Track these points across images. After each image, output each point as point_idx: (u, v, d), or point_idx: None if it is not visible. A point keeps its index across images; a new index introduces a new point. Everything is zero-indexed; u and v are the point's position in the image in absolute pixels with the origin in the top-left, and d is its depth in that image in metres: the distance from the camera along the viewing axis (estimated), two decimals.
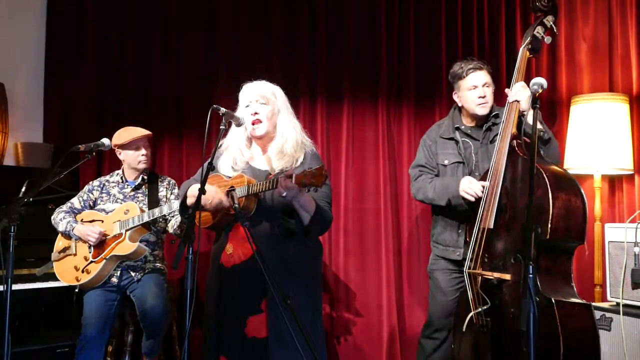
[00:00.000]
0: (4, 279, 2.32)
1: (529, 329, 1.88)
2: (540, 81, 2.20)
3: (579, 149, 3.34)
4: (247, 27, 3.96)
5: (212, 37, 3.99)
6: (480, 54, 3.72)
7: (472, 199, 2.62)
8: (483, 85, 2.79)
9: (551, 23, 2.67)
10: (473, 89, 2.80)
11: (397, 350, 3.63)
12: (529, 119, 2.47)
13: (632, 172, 3.39)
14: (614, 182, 3.53)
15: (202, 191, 2.13)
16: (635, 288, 2.80)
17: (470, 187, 2.62)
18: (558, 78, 3.64)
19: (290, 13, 3.91)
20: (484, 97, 2.78)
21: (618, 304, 2.83)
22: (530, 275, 1.91)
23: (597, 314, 2.90)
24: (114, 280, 3.05)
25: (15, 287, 2.90)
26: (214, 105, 2.24)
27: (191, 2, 4.03)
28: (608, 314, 2.85)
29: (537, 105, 2.15)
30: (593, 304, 2.99)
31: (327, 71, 3.85)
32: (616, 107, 3.31)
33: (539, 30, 2.65)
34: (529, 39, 2.67)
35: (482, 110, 2.80)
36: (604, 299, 3.11)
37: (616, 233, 2.92)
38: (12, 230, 2.34)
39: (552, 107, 3.62)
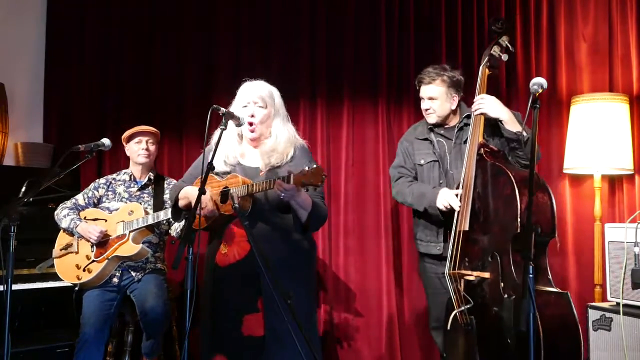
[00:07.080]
0: (4, 279, 2.32)
1: (529, 330, 1.88)
2: (540, 81, 2.20)
3: (579, 149, 3.33)
4: (247, 27, 3.96)
5: (212, 37, 4.00)
6: (480, 55, 3.71)
7: (445, 210, 2.74)
8: (428, 99, 2.94)
9: (506, 43, 2.86)
10: (422, 100, 2.98)
11: (397, 350, 3.63)
12: (507, 125, 2.67)
13: (632, 172, 3.38)
14: (614, 182, 3.52)
15: (201, 191, 2.14)
16: (635, 288, 2.80)
17: (445, 200, 2.71)
18: (558, 78, 3.63)
19: (290, 13, 3.91)
20: (428, 109, 2.94)
21: (618, 304, 2.82)
22: (531, 275, 1.91)
23: (597, 314, 2.91)
24: (115, 280, 3.05)
25: (15, 287, 2.91)
26: (214, 105, 2.25)
27: (191, 2, 4.03)
28: (608, 314, 2.85)
29: (537, 106, 2.15)
30: (593, 303, 3.01)
31: (327, 71, 3.85)
32: (616, 107, 3.30)
33: (495, 50, 2.85)
34: (487, 58, 2.85)
35: (429, 119, 2.96)
36: (604, 299, 3.11)
37: (616, 233, 2.92)
38: (12, 230, 2.34)
39: (552, 107, 3.62)
